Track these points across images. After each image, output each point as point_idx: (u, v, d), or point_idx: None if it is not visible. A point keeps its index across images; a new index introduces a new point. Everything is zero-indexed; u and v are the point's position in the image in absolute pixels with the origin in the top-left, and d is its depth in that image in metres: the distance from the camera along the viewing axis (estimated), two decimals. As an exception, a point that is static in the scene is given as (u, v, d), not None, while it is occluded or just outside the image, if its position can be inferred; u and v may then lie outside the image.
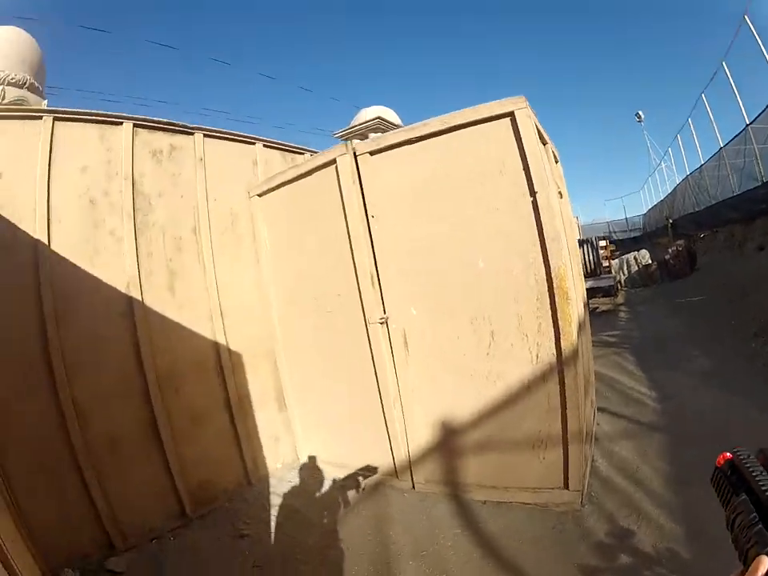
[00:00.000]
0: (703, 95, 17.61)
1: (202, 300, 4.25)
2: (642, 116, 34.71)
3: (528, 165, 3.15)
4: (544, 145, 3.64)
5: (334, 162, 3.89)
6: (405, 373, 3.82)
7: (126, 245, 3.80)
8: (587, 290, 11.68)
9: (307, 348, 4.47)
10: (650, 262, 17.89)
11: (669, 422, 4.56)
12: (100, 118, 3.85)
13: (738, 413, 4.37)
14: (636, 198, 50.38)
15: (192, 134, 4.47)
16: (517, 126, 3.18)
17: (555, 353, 3.19)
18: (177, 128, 4.37)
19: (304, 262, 4.34)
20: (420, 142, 3.52)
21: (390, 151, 3.67)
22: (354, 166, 3.80)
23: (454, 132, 3.40)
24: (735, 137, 14.71)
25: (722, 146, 16.28)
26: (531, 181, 3.15)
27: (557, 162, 4.51)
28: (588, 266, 12.73)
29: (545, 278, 3.15)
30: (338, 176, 3.87)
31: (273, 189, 4.52)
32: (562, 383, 3.18)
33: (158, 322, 3.89)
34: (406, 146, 3.58)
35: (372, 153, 3.74)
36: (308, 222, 4.26)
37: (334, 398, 4.33)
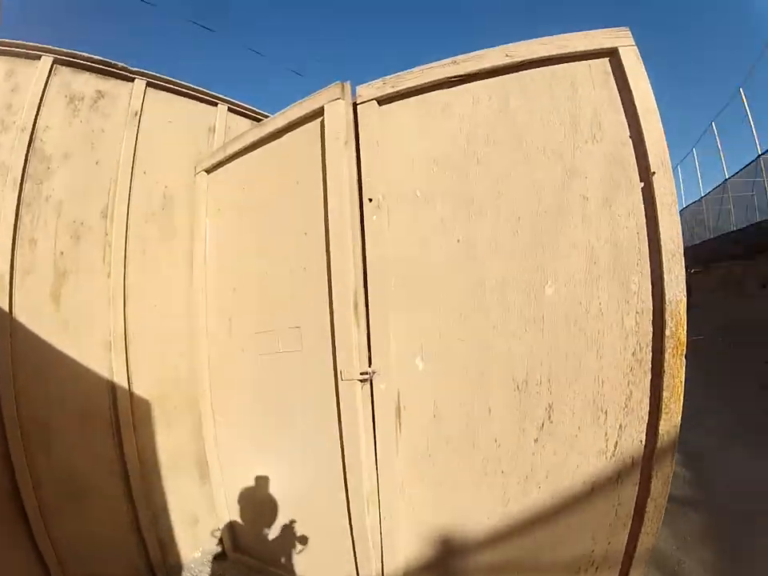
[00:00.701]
0: (713, 123, 17.63)
1: (100, 317, 2.90)
2: None
3: (640, 129, 1.94)
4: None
5: (320, 113, 2.54)
6: (390, 460, 2.34)
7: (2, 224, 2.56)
8: None
9: (246, 400, 3.00)
10: None
11: (705, 495, 3.73)
12: (13, 49, 2.79)
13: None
14: None
15: (131, 79, 3.24)
16: (623, 70, 1.99)
17: (645, 440, 1.93)
18: (112, 69, 3.13)
19: (255, 271, 2.94)
20: (464, 84, 2.23)
21: (411, 98, 2.35)
22: (351, 119, 2.46)
23: (525, 71, 2.14)
24: (745, 167, 14.53)
25: (727, 177, 16.30)
26: (646, 154, 1.92)
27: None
28: None
29: (651, 318, 1.90)
30: (322, 135, 2.52)
31: (226, 161, 3.17)
32: (644, 485, 1.93)
33: (30, 347, 2.58)
34: (439, 90, 2.28)
35: (381, 100, 2.40)
36: (269, 210, 2.89)
37: (277, 479, 2.89)
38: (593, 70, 2.06)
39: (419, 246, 2.26)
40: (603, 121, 2.02)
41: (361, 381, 2.33)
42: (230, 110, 3.82)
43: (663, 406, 1.88)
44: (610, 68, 2.04)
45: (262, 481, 2.92)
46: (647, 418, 1.92)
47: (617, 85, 2.02)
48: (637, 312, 1.93)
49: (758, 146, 13.46)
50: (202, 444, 3.17)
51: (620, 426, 1.96)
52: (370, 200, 2.33)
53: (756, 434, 4.71)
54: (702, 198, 19.89)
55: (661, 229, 1.88)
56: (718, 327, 10.55)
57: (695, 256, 18.83)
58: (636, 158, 1.97)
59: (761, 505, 3.29)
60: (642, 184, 1.95)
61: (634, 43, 2.03)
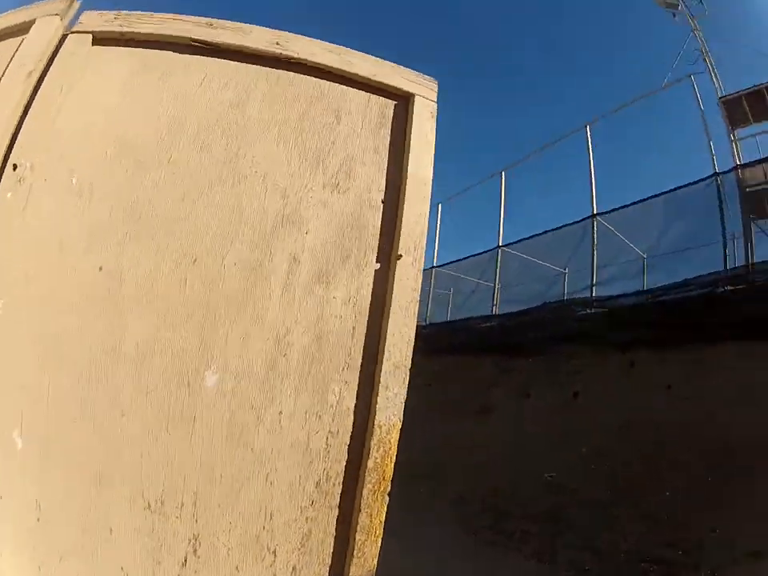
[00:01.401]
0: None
1: None
2: None
3: (401, 197, 1.57)
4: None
5: (25, 28, 1.71)
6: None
7: None
8: None
9: None
10: None
11: None
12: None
13: None
14: None
15: None
16: (408, 123, 1.62)
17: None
18: None
19: None
20: (203, 56, 1.60)
21: (135, 49, 1.62)
22: (53, 49, 1.66)
23: (292, 72, 1.62)
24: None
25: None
26: (396, 230, 1.57)
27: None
28: None
29: (347, 443, 1.47)
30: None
31: None
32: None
33: None
34: (172, 52, 1.60)
35: (100, 38, 1.63)
36: None
37: None
38: (371, 107, 1.60)
39: (51, 260, 1.44)
40: (357, 170, 1.53)
41: None
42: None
43: (356, 550, 1.42)
44: (392, 114, 1.60)
45: None
46: (330, 561, 1.44)
47: (391, 136, 1.57)
48: (330, 432, 1.45)
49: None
50: None
51: (293, 568, 1.43)
52: (15, 167, 1.53)
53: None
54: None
55: (388, 331, 1.47)
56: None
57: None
58: (382, 230, 1.53)
59: None
60: (378, 266, 1.52)
61: (435, 100, 1.66)
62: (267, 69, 1.57)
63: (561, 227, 10.85)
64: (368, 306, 1.50)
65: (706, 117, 9.82)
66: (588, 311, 9.04)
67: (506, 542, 5.07)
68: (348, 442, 1.46)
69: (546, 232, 11.19)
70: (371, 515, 1.43)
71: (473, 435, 8.64)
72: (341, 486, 1.45)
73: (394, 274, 1.49)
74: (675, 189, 9.17)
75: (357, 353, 1.49)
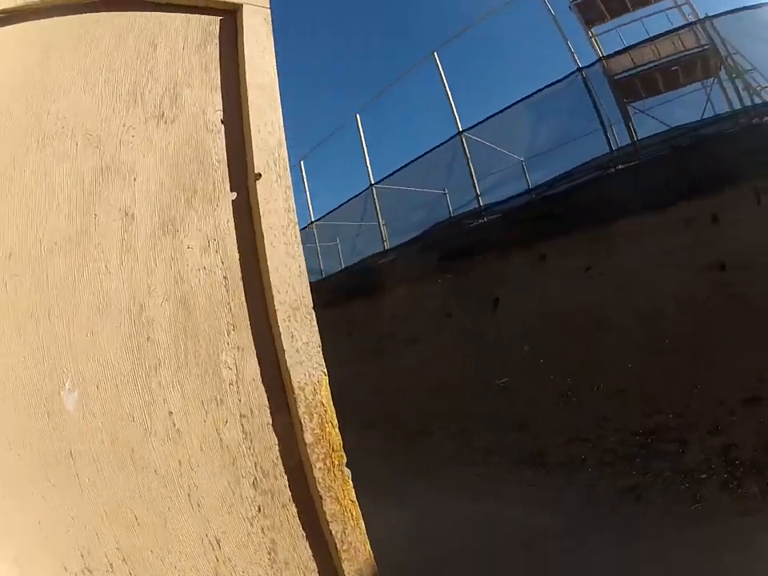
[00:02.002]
0: None
1: None
2: None
3: (244, 111, 1.36)
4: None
5: None
6: None
7: None
8: None
9: None
10: None
11: None
12: None
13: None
14: None
15: None
16: (238, 33, 1.39)
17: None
18: None
19: None
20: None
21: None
22: None
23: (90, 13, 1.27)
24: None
25: None
26: (245, 147, 1.37)
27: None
28: None
29: (269, 421, 1.23)
30: None
31: None
32: None
33: None
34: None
35: None
36: None
37: None
38: (191, 28, 1.32)
39: None
40: (184, 93, 1.27)
41: None
42: None
43: (339, 543, 1.20)
44: (218, 29, 1.35)
45: None
46: (314, 565, 1.19)
47: (220, 51, 1.32)
48: (242, 416, 1.17)
49: (312, 213, 14.67)
50: None
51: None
52: None
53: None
54: None
55: (270, 268, 1.23)
56: None
57: None
58: (229, 153, 1.29)
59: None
60: (235, 195, 1.28)
61: (268, 6, 1.43)
62: (69, 17, 1.22)
63: (429, 151, 10.69)
64: (235, 246, 1.24)
65: (559, 22, 9.78)
66: (480, 221, 9.11)
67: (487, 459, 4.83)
68: (270, 421, 1.20)
69: (415, 159, 11.01)
70: (338, 498, 1.20)
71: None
72: (285, 477, 1.19)
73: (257, 198, 1.25)
74: (540, 90, 9.16)
75: (239, 306, 1.21)
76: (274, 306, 1.19)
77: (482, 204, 9.48)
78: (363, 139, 12.33)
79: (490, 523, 3.45)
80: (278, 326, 1.19)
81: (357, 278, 11.79)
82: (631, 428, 4.18)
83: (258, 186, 1.25)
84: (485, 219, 8.96)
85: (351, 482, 1.26)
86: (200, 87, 1.28)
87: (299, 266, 1.27)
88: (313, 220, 14.37)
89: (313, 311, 1.26)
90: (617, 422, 4.35)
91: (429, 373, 7.82)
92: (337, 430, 1.26)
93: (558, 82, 9.01)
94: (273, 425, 1.17)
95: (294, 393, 1.18)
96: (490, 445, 4.83)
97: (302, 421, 1.18)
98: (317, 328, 1.26)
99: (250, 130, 1.28)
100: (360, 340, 10.96)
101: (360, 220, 12.95)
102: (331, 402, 1.27)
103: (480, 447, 4.91)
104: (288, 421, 1.19)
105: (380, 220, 11.95)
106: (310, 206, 14.50)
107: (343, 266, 12.94)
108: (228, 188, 1.26)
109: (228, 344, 1.16)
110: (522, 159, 10.36)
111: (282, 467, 1.17)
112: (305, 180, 14.61)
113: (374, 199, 11.92)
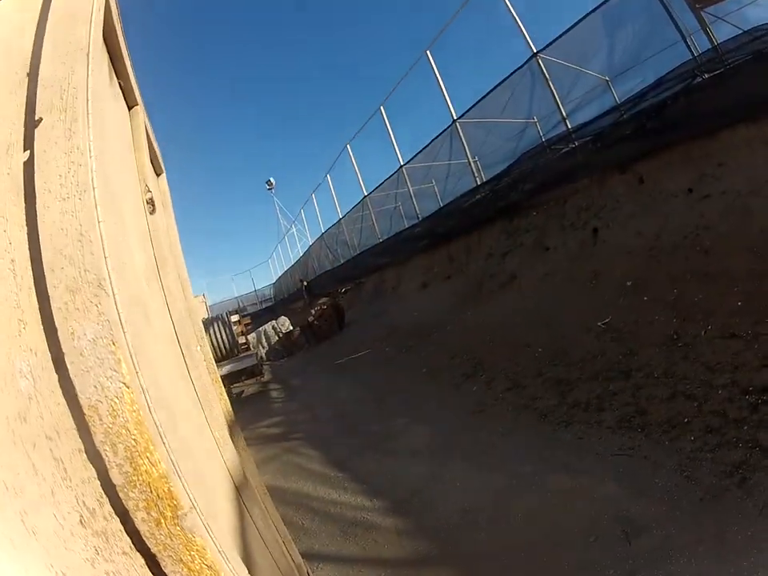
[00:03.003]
0: (349, 146, 18.85)
1: None
2: (273, 183, 36.07)
3: None
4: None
5: None
6: None
7: None
8: (228, 375, 10.43)
9: None
10: (292, 328, 18.03)
11: (446, 549, 3.14)
12: None
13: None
14: (265, 269, 52.00)
15: None
16: None
17: None
18: None
19: None
20: None
21: None
22: None
23: None
24: (387, 179, 15.80)
25: (365, 193, 17.78)
26: None
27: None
28: (222, 347, 11.35)
29: (81, 447, 0.86)
30: None
31: None
32: None
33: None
34: None
35: None
36: None
37: None
38: None
39: None
40: None
41: None
42: None
43: None
44: None
45: None
46: None
47: None
48: (48, 437, 0.85)
49: (400, 158, 14.50)
50: None
51: None
52: None
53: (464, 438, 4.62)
54: (340, 219, 21.05)
55: (40, 236, 0.92)
56: (381, 337, 11.12)
57: (342, 276, 20.41)
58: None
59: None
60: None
61: None
62: None
63: (506, 78, 9.92)
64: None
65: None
66: (571, 146, 8.55)
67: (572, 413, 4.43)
68: (81, 447, 0.88)
69: (493, 89, 10.33)
70: (182, 560, 0.89)
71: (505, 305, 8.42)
72: (116, 519, 0.86)
73: (41, 151, 0.96)
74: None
75: (27, 296, 0.91)
76: (47, 290, 0.90)
77: (569, 127, 8.85)
78: (438, 75, 11.90)
79: (578, 502, 3.18)
80: (54, 319, 0.89)
81: (453, 219, 11.78)
82: (742, 384, 3.58)
83: (37, 135, 0.98)
84: (575, 143, 8.36)
85: (210, 539, 0.95)
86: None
87: (82, 229, 0.92)
88: (402, 163, 14.29)
89: (110, 291, 0.92)
90: (725, 375, 3.77)
91: (525, 311, 7.57)
92: (163, 466, 0.89)
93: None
94: (86, 452, 0.86)
95: (83, 413, 0.86)
96: (588, 397, 4.51)
97: (103, 453, 0.86)
98: (118, 316, 0.92)
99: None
100: (458, 281, 11.05)
101: (449, 159, 12.68)
102: (151, 427, 0.91)
103: (578, 401, 4.56)
104: (94, 450, 0.87)
105: (468, 155, 11.64)
106: (398, 151, 14.47)
107: (441, 205, 12.88)
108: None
109: (21, 347, 0.89)
110: (605, 77, 9.49)
111: (109, 507, 0.86)
112: (389, 127, 14.64)
113: (459, 135, 11.56)
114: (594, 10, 8.19)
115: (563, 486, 3.40)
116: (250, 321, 15.14)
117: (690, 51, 7.25)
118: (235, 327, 11.43)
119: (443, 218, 12.21)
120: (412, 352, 8.69)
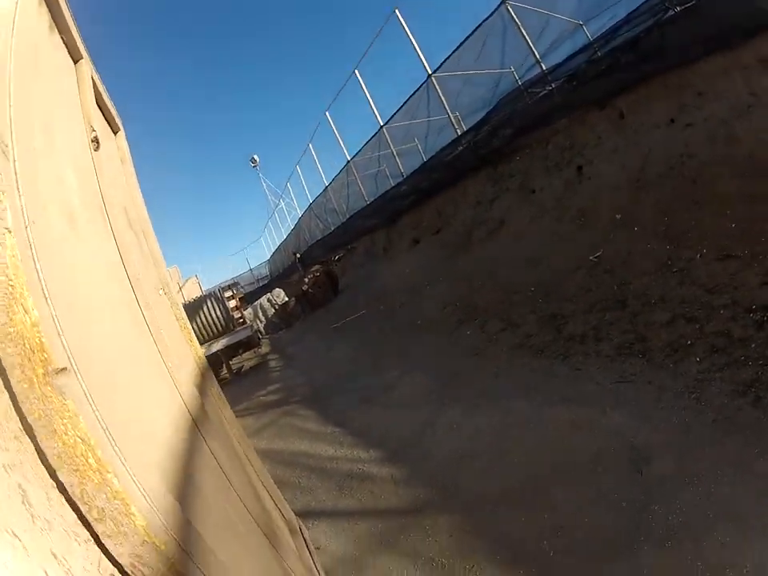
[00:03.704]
0: (327, 113, 18.01)
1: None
2: (257, 160, 36.02)
3: None
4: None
5: None
6: None
7: None
8: (224, 348, 10.69)
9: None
10: (287, 299, 17.94)
11: (444, 495, 3.12)
12: None
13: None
14: (259, 246, 49.65)
15: None
16: None
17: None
18: None
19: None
20: None
21: None
22: None
23: None
24: (368, 141, 15.43)
25: (349, 158, 17.32)
26: None
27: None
28: (218, 323, 11.30)
29: None
30: None
31: None
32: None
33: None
34: None
35: None
36: None
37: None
38: None
39: None
40: None
41: None
42: None
43: None
44: None
45: None
46: None
47: None
48: None
49: (379, 119, 14.22)
50: None
51: None
52: None
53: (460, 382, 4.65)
54: (326, 188, 20.68)
55: None
56: (375, 297, 11.16)
57: (333, 244, 20.27)
58: None
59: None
60: None
61: None
62: None
63: (477, 27, 9.75)
64: None
65: None
66: (548, 87, 8.39)
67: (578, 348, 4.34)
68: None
69: (466, 39, 10.12)
70: (55, 432, 0.76)
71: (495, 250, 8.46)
72: None
73: None
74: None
75: None
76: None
77: (544, 68, 8.67)
78: (408, 32, 11.61)
79: (580, 435, 3.13)
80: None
81: (437, 172, 11.69)
82: (744, 303, 3.54)
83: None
84: (552, 85, 8.21)
85: (90, 407, 0.86)
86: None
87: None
88: (382, 124, 14.06)
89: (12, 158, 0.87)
90: (725, 296, 3.74)
91: (516, 254, 7.61)
92: (36, 314, 0.80)
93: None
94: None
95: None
96: (584, 329, 4.50)
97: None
98: (16, 182, 0.86)
99: None
100: (447, 234, 11.01)
101: (428, 115, 12.45)
102: (30, 273, 0.83)
103: (574, 333, 4.55)
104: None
105: (447, 108, 11.44)
106: (377, 112, 14.23)
107: (425, 160, 12.70)
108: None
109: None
110: (578, 21, 9.30)
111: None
112: (365, 89, 14.38)
113: (436, 88, 11.35)
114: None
115: (563, 419, 3.36)
116: (243, 296, 15.14)
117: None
118: (231, 303, 11.38)
119: (427, 173, 12.06)
120: (406, 307, 8.77)
